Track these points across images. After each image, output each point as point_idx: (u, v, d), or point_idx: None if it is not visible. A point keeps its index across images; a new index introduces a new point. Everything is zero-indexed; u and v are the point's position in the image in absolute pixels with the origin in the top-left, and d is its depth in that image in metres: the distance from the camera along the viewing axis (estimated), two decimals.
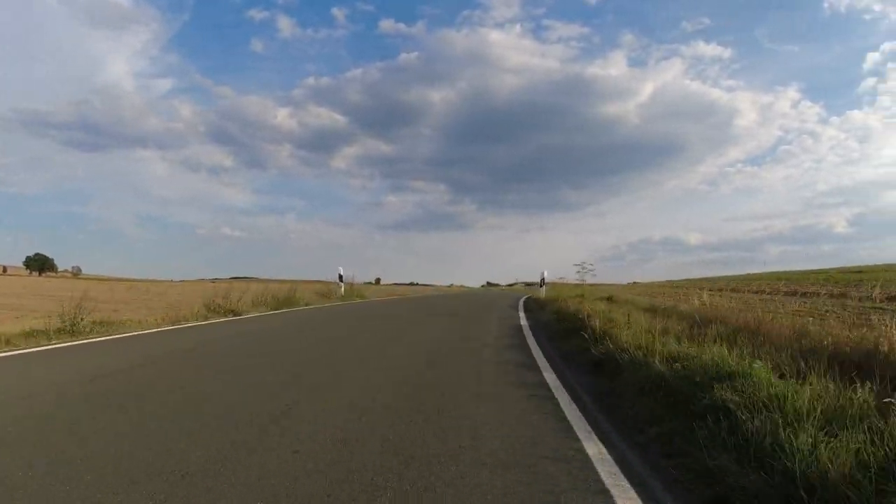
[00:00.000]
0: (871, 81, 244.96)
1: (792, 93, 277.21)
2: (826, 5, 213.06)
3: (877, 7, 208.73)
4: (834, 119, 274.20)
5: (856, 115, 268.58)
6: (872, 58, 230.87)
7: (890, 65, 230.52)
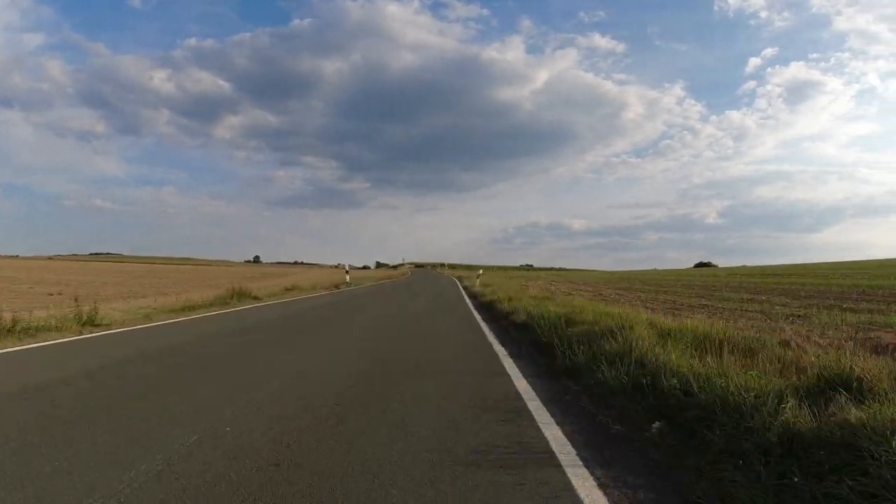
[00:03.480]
0: (751, 84, 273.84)
1: (678, 90, 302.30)
2: (716, 8, 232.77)
3: (763, 14, 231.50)
4: (713, 117, 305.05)
5: (734, 115, 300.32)
6: (754, 62, 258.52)
7: (769, 69, 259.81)
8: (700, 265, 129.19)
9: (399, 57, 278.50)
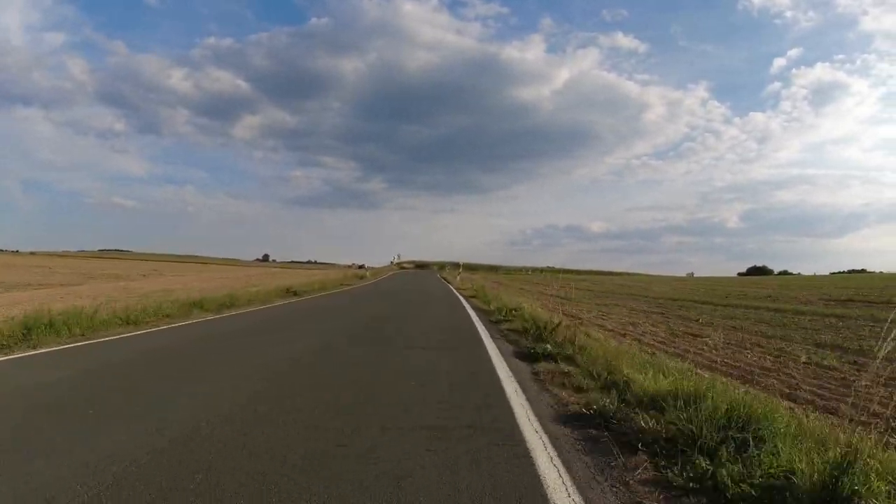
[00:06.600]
0: (776, 86, 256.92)
1: (701, 91, 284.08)
2: (740, 7, 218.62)
3: (788, 13, 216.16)
4: (737, 119, 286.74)
5: (758, 117, 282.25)
6: (779, 63, 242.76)
7: (794, 70, 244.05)
8: (753, 271, 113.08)
9: (416, 56, 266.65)
